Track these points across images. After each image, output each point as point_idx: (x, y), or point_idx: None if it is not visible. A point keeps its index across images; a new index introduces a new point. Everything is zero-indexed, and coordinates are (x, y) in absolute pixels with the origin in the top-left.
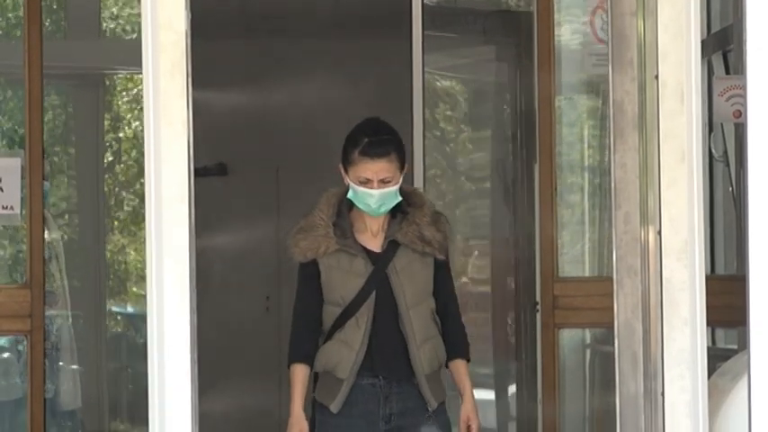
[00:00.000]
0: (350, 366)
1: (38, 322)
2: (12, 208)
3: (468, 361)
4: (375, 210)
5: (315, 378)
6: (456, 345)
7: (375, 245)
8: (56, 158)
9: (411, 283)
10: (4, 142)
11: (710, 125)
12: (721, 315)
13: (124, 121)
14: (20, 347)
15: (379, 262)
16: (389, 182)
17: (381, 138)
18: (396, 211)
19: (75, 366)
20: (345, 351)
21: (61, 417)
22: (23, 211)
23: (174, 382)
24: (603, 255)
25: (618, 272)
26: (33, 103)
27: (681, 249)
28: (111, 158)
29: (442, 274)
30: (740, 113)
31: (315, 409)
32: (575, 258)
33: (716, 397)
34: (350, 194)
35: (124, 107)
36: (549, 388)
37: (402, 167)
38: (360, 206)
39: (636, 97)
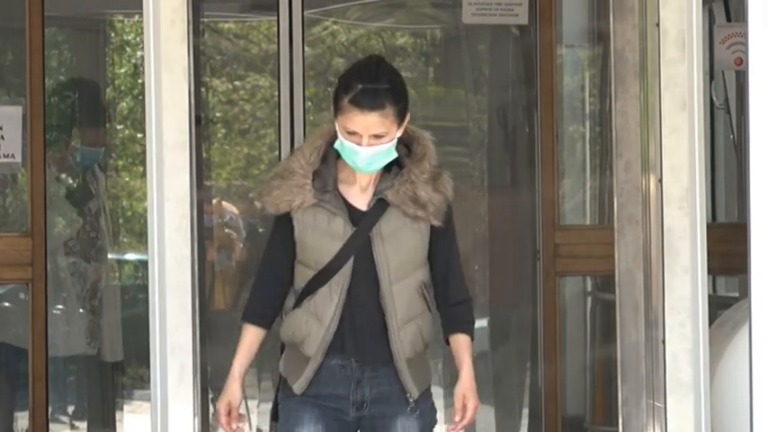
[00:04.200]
0: (317, 344)
1: (39, 271)
2: (12, 156)
3: (472, 339)
4: (362, 168)
5: (281, 347)
6: (457, 321)
7: (361, 201)
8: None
9: (397, 252)
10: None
11: (711, 73)
12: (722, 263)
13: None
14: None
15: (362, 223)
16: (382, 137)
17: (377, 87)
18: (392, 163)
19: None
20: (315, 325)
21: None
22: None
23: (174, 328)
24: (605, 203)
25: (619, 220)
26: (34, 50)
27: (682, 197)
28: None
29: (442, 243)
30: (741, 61)
31: (279, 383)
32: (576, 206)
33: (716, 347)
34: (337, 144)
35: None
36: (551, 336)
37: (401, 120)
38: (346, 161)
39: (637, 45)
